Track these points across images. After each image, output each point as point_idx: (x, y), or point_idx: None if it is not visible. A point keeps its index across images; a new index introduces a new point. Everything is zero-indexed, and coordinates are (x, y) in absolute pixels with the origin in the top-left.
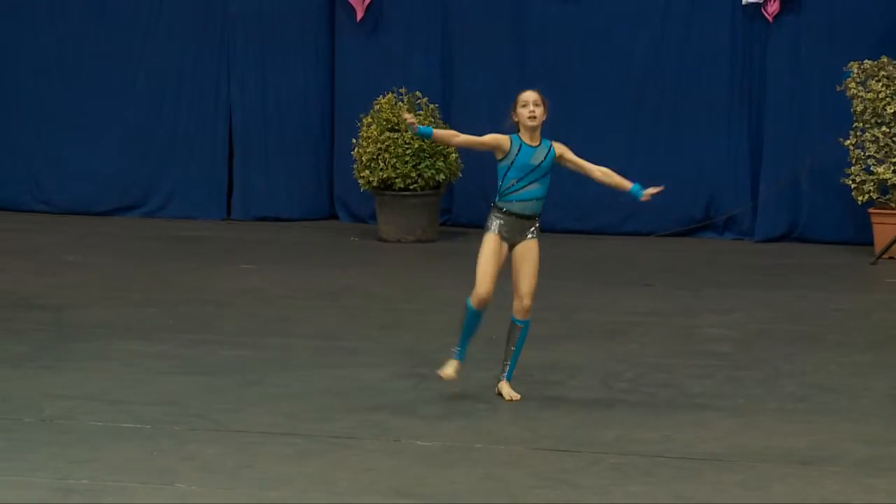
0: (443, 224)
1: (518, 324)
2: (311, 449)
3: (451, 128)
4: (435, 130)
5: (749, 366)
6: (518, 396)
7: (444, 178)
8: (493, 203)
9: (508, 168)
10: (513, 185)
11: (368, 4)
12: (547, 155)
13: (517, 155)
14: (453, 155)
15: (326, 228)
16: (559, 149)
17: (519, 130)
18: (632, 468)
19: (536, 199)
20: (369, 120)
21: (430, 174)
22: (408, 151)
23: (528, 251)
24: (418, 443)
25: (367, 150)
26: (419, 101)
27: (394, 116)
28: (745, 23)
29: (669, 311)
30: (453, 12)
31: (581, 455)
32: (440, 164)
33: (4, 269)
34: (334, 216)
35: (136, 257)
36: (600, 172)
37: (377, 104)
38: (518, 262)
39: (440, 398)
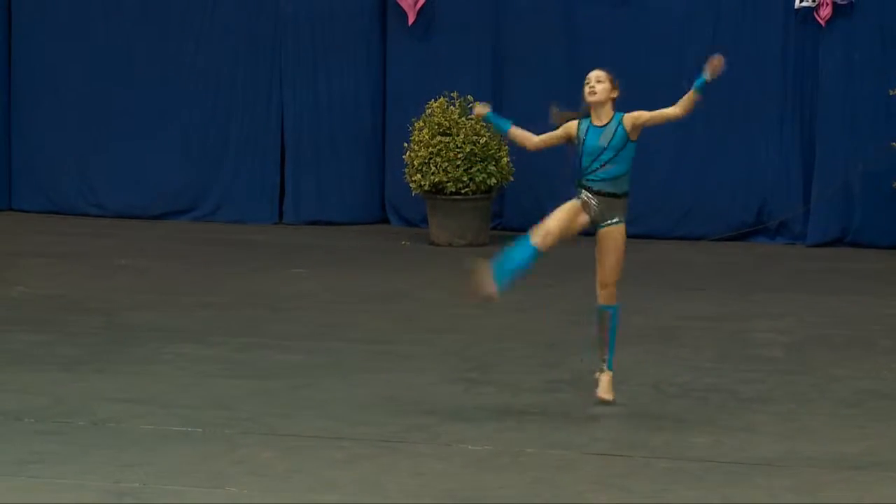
0: (494, 228)
1: (606, 309)
2: (362, 453)
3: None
4: (512, 128)
5: (801, 370)
6: (612, 397)
7: (495, 182)
8: (576, 181)
9: (581, 152)
10: (587, 167)
11: (420, 8)
12: (615, 133)
13: (585, 137)
14: (504, 159)
15: (378, 232)
16: (630, 119)
17: (590, 113)
18: (683, 473)
19: (615, 178)
20: (421, 124)
21: (481, 178)
22: (459, 155)
23: (609, 237)
24: (469, 447)
25: (419, 154)
26: (470, 104)
27: (445, 120)
28: (798, 27)
29: (721, 315)
30: (504, 16)
31: (632, 459)
32: (492, 168)
33: (58, 273)
34: (386, 220)
35: (188, 261)
36: (678, 109)
37: (429, 108)
38: (600, 247)
39: (491, 402)
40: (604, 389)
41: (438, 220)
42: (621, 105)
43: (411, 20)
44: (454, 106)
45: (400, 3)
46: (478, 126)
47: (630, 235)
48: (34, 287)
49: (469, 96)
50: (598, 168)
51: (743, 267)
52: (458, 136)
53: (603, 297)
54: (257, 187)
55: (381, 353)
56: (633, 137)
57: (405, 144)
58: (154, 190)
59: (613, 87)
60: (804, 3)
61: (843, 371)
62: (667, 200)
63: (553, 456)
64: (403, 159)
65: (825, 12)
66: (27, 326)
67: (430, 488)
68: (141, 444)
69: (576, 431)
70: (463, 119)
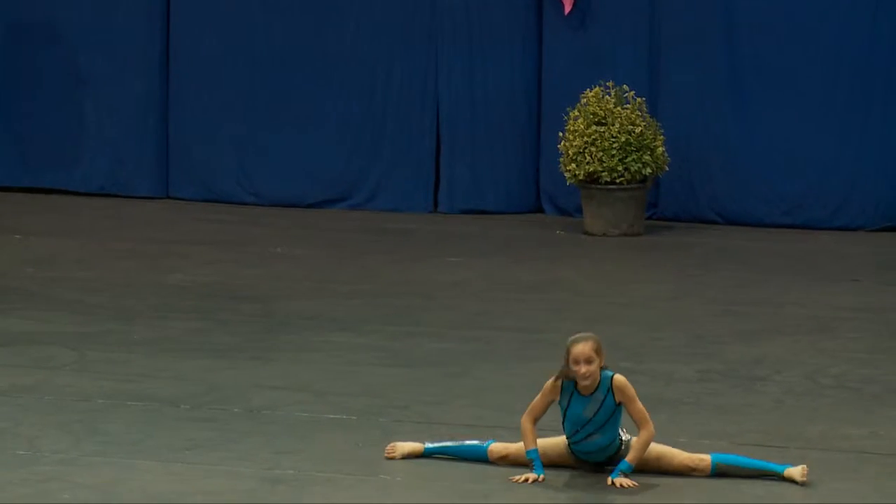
0: (649, 218)
1: None
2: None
3: (660, 122)
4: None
5: None
6: None
7: (650, 171)
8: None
9: (564, 417)
10: (570, 436)
11: None
12: (602, 405)
13: (569, 405)
14: (660, 149)
15: (532, 222)
16: (619, 391)
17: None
18: (837, 464)
19: (601, 449)
20: (576, 113)
21: (636, 168)
22: (614, 145)
23: None
24: (623, 436)
25: (574, 143)
26: (626, 94)
27: (601, 110)
28: None
29: (878, 306)
30: (661, 5)
31: (786, 450)
32: (647, 157)
33: (214, 261)
34: (540, 210)
35: (342, 249)
36: (642, 435)
37: (584, 98)
38: None
39: (644, 392)
40: None
41: (593, 210)
42: (776, 92)
43: (567, 10)
44: (609, 95)
45: None
46: (633, 115)
47: (786, 226)
48: (190, 275)
49: (625, 86)
50: (581, 439)
51: None
52: (613, 125)
53: None
54: (412, 176)
55: (535, 341)
56: (618, 402)
57: (560, 134)
58: (310, 178)
59: (602, 359)
60: None
61: None
62: (824, 190)
63: (707, 446)
64: (558, 149)
65: None
66: (183, 314)
67: (581, 477)
68: (295, 431)
69: (729, 421)
70: (618, 108)
